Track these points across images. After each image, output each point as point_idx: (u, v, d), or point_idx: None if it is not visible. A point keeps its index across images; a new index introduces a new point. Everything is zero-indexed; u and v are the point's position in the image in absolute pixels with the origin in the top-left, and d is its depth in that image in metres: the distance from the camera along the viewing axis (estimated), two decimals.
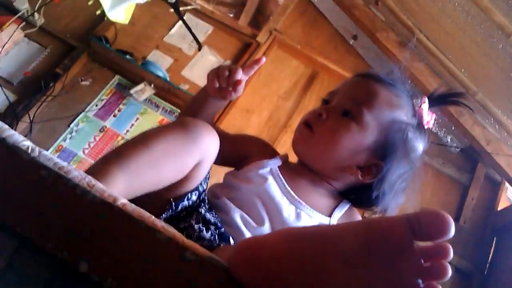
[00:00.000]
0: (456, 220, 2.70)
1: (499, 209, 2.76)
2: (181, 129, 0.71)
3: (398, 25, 2.68)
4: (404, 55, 2.72)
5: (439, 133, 2.87)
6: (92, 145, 2.47)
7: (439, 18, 2.40)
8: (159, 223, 0.46)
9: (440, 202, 2.77)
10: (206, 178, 0.81)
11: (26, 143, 0.48)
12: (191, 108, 1.02)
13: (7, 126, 0.49)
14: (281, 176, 0.87)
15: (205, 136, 0.72)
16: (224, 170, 0.97)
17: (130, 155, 0.65)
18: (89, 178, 0.47)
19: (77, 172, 0.48)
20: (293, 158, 0.97)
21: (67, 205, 0.42)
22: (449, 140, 2.86)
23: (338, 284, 0.38)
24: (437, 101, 0.93)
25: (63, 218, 0.41)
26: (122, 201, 0.46)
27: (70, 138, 2.46)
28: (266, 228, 0.82)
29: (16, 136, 0.48)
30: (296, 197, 0.84)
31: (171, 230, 0.45)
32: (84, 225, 0.41)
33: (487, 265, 2.54)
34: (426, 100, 0.92)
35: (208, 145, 0.73)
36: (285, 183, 0.86)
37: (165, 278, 0.40)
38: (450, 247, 0.37)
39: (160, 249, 0.41)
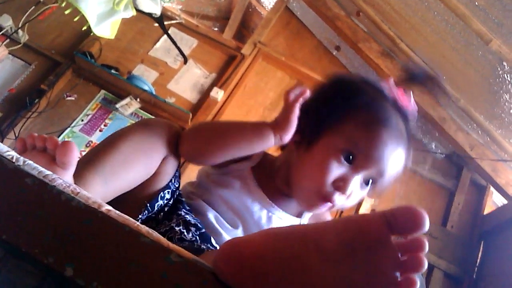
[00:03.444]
0: (444, 225, 2.73)
1: (485, 213, 2.80)
2: (144, 127, 0.76)
3: (380, 35, 2.73)
4: (386, 64, 2.76)
5: (423, 140, 2.91)
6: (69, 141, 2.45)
7: (420, 27, 2.45)
8: (144, 228, 0.46)
9: (427, 208, 2.79)
10: (177, 176, 0.83)
11: (11, 153, 0.49)
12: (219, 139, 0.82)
13: None
14: (254, 180, 0.85)
15: (165, 133, 0.77)
16: (196, 167, 0.94)
17: (102, 157, 0.69)
18: (73, 186, 0.48)
19: (61, 180, 0.48)
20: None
21: (52, 212, 0.43)
22: (433, 146, 2.90)
23: (321, 279, 0.39)
24: (408, 80, 0.87)
25: (49, 224, 0.42)
26: (107, 207, 0.47)
27: None
28: (240, 231, 0.83)
29: (0, 146, 0.49)
30: (267, 199, 0.84)
31: (156, 235, 0.46)
32: (69, 231, 0.42)
33: (476, 269, 2.56)
34: (392, 80, 0.83)
35: (168, 139, 0.77)
36: (258, 187, 0.85)
37: (150, 281, 0.41)
38: (425, 240, 0.39)
39: (145, 253, 0.42)
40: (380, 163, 0.75)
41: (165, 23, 2.70)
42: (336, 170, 0.75)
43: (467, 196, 2.84)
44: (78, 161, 0.66)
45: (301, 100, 0.77)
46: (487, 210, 2.81)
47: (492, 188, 2.81)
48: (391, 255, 0.39)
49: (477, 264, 2.57)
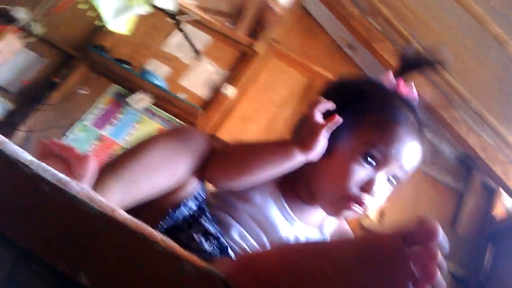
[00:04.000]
0: (452, 227, 2.72)
1: (494, 216, 2.77)
2: (174, 137, 0.73)
3: (394, 35, 2.71)
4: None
5: (434, 141, 2.89)
6: (90, 153, 2.47)
7: (434, 27, 2.43)
8: (158, 235, 0.46)
9: (436, 209, 2.78)
10: (204, 187, 0.82)
11: (25, 156, 0.49)
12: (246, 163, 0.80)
13: (5, 138, 0.50)
14: (280, 195, 0.85)
15: (198, 143, 0.74)
16: None
17: (125, 164, 0.67)
18: (88, 191, 0.48)
19: (76, 185, 0.48)
20: None
21: (66, 218, 0.43)
22: (444, 148, 2.88)
23: None
24: (406, 67, 0.87)
25: (63, 230, 0.42)
26: (121, 213, 0.47)
27: None
28: (264, 246, 0.81)
29: (15, 148, 0.49)
30: (293, 216, 0.84)
31: (170, 242, 0.46)
32: (83, 237, 0.42)
33: (484, 271, 2.55)
34: (391, 74, 0.85)
35: (200, 152, 0.75)
36: (284, 203, 0.84)
37: None
38: (438, 250, 0.39)
39: (159, 261, 0.42)
40: (400, 159, 0.77)
41: (179, 18, 2.70)
42: (359, 173, 0.76)
43: (477, 198, 2.82)
44: (102, 165, 0.66)
45: (331, 126, 0.73)
46: (497, 213, 2.79)
47: (502, 191, 2.79)
48: (404, 266, 0.39)
49: (485, 267, 2.56)
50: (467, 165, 2.87)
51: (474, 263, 2.58)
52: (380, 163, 0.76)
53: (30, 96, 2.55)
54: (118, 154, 0.72)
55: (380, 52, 2.79)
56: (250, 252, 0.80)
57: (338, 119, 0.74)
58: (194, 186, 0.78)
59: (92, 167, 0.59)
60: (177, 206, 0.76)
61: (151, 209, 0.72)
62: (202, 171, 0.78)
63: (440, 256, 0.39)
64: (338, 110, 0.78)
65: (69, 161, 0.60)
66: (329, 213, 0.83)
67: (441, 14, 2.30)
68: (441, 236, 0.38)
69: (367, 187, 0.76)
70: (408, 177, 0.82)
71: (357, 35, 2.89)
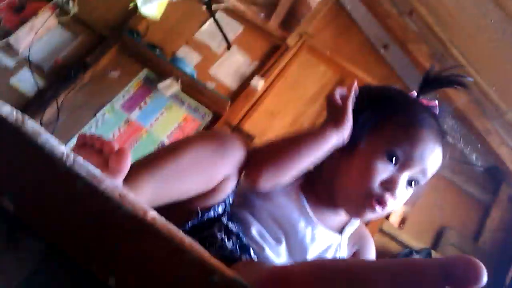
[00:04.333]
0: (475, 240, 2.66)
1: None
2: (212, 142, 0.71)
3: (431, 37, 2.64)
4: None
5: (464, 150, 2.82)
6: (116, 136, 2.49)
7: (474, 33, 2.36)
8: (187, 240, 0.45)
9: (460, 220, 2.72)
10: (233, 192, 0.81)
11: (61, 149, 0.48)
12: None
13: (43, 129, 0.49)
14: (302, 197, 0.86)
15: (237, 152, 0.72)
16: None
17: (161, 163, 0.66)
18: (120, 189, 0.47)
19: (109, 182, 0.47)
20: None
21: (99, 218, 0.42)
22: (474, 158, 2.81)
23: None
24: (432, 84, 0.89)
25: (95, 231, 0.41)
26: (152, 214, 0.46)
27: (95, 127, 2.49)
28: (283, 247, 0.82)
29: (52, 141, 0.48)
30: (314, 218, 0.84)
31: (198, 249, 0.45)
32: (115, 240, 0.41)
33: None
34: (415, 93, 0.89)
35: (239, 160, 0.73)
36: (306, 205, 0.85)
37: None
38: None
39: (188, 270, 0.41)
40: (423, 161, 0.78)
41: (213, 6, 2.69)
42: (383, 171, 0.77)
43: (503, 212, 2.75)
44: (136, 161, 0.65)
45: (352, 96, 0.80)
46: None
47: None
48: None
49: (506, 284, 2.50)
50: (496, 177, 2.80)
51: (495, 280, 2.52)
52: (403, 164, 0.78)
53: (62, 74, 2.58)
54: (154, 152, 0.71)
55: (415, 53, 2.73)
56: (270, 252, 0.80)
57: (356, 86, 0.80)
58: (227, 192, 0.78)
59: (128, 162, 0.58)
60: (207, 209, 0.75)
61: (180, 209, 0.72)
62: (242, 174, 0.78)
63: None
64: (363, 111, 0.83)
65: (105, 154, 0.59)
66: (350, 212, 0.83)
67: (483, 21, 2.23)
68: (485, 280, 0.36)
69: (390, 185, 0.77)
70: (426, 184, 0.84)
71: (393, 35, 2.84)
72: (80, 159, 0.48)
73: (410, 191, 0.82)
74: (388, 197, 0.77)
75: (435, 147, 0.80)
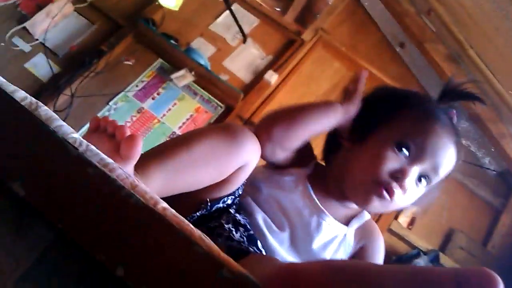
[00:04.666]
0: (484, 244, 2.63)
1: None
2: (225, 134, 0.71)
3: (448, 38, 2.61)
4: (451, 69, 2.64)
5: (477, 153, 2.79)
6: (128, 124, 2.50)
7: (493, 35, 2.32)
8: (197, 232, 0.45)
9: (470, 224, 2.70)
10: (243, 184, 0.81)
11: (74, 136, 0.48)
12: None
13: (56, 116, 0.49)
14: (309, 186, 0.86)
15: (249, 144, 0.72)
16: None
17: (172, 154, 0.65)
18: (132, 178, 0.47)
19: (121, 170, 0.47)
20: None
21: (110, 207, 0.42)
22: (487, 161, 2.78)
23: None
24: (452, 96, 0.88)
25: (105, 220, 0.41)
26: (163, 205, 0.46)
27: (108, 115, 2.50)
28: (286, 234, 0.82)
29: (65, 128, 0.48)
30: (320, 206, 0.84)
31: (208, 242, 0.45)
32: (125, 230, 0.41)
33: None
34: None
35: (250, 153, 0.73)
36: (312, 193, 0.85)
37: None
38: None
39: (197, 264, 0.41)
40: (435, 156, 0.78)
41: None
42: (393, 160, 0.77)
43: None
44: (148, 151, 0.65)
45: (363, 81, 0.84)
46: None
47: None
48: None
49: None
50: (508, 182, 2.76)
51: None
52: (414, 156, 0.77)
53: (76, 61, 2.59)
54: (166, 142, 0.71)
55: (431, 53, 2.70)
56: (273, 239, 0.80)
57: (366, 72, 0.85)
58: (238, 185, 0.78)
59: (139, 149, 0.57)
60: (216, 200, 0.75)
61: (190, 199, 0.72)
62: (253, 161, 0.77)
63: None
64: (378, 103, 0.86)
65: (117, 139, 0.59)
66: (358, 200, 0.83)
67: (502, 23, 2.19)
68: None
69: (399, 175, 0.77)
70: (440, 185, 0.84)
71: (410, 34, 2.80)
72: (92, 147, 0.47)
73: (421, 189, 0.81)
74: (396, 186, 0.77)
75: (448, 145, 0.79)
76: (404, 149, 0.78)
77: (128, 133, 0.60)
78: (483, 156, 2.76)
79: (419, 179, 0.79)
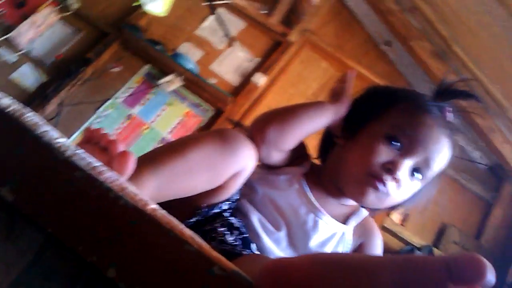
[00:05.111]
0: (477, 237, 2.65)
1: None
2: (220, 141, 0.70)
3: (433, 34, 2.63)
4: (437, 65, 2.67)
5: (467, 148, 2.81)
6: (118, 131, 2.49)
7: (477, 31, 2.35)
8: (188, 232, 0.45)
9: (462, 218, 2.72)
10: (240, 189, 0.80)
11: (62, 140, 0.48)
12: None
13: (43, 121, 0.49)
14: (305, 185, 0.86)
15: (244, 150, 0.71)
16: None
17: (165, 161, 0.64)
18: (121, 180, 0.47)
19: (110, 173, 0.47)
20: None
21: (99, 209, 0.42)
22: (477, 156, 2.80)
23: None
24: (447, 95, 0.88)
25: (95, 221, 0.41)
26: (153, 206, 0.46)
27: (97, 123, 2.49)
28: (283, 234, 0.81)
29: (52, 133, 0.48)
30: (316, 205, 0.84)
31: (199, 241, 0.45)
32: (115, 230, 0.41)
33: (506, 287, 2.48)
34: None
35: (246, 159, 0.72)
36: (309, 192, 0.85)
37: None
38: None
39: (188, 262, 0.41)
40: (427, 148, 0.78)
41: (214, 2, 2.68)
42: (384, 152, 0.78)
43: (506, 210, 2.74)
44: (141, 156, 0.64)
45: (351, 80, 0.86)
46: None
47: None
48: None
49: (508, 283, 2.49)
50: (499, 176, 2.79)
51: (496, 278, 2.51)
52: (405, 148, 0.78)
53: (63, 70, 2.57)
54: (159, 147, 0.70)
55: (417, 50, 2.72)
56: (269, 240, 0.80)
57: (354, 71, 0.87)
58: (233, 191, 0.76)
59: (131, 166, 0.57)
60: (212, 207, 0.75)
61: (185, 205, 0.71)
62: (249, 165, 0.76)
63: None
64: (370, 101, 0.87)
65: (110, 154, 0.58)
66: (352, 194, 0.83)
67: (484, 18, 2.22)
68: (492, 278, 0.35)
69: (390, 166, 0.77)
70: (435, 181, 0.84)
71: (395, 32, 2.83)
72: (80, 150, 0.47)
73: (416, 183, 0.81)
74: (388, 178, 0.77)
75: (440, 138, 0.79)
76: (395, 142, 0.78)
77: (121, 148, 0.59)
78: (473, 151, 2.79)
79: (413, 173, 0.80)
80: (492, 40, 2.27)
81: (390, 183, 0.77)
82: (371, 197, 0.79)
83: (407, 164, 0.78)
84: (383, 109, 0.83)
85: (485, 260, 0.35)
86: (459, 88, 0.87)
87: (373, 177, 0.78)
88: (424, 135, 0.78)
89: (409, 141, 0.78)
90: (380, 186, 0.77)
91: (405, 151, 0.78)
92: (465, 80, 0.91)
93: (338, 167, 0.85)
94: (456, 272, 0.35)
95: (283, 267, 0.41)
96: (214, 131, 0.80)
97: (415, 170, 0.79)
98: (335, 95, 0.85)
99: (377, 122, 0.82)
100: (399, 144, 0.78)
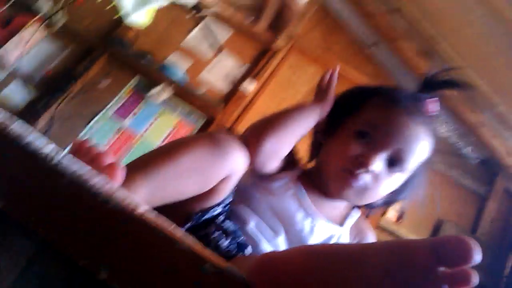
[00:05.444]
0: (473, 232, 2.66)
1: None
2: (210, 144, 0.70)
3: (419, 33, 2.66)
4: (424, 64, 2.69)
5: (458, 144, 2.83)
6: (110, 143, 2.49)
7: (461, 28, 2.38)
8: (179, 232, 0.45)
9: (458, 213, 2.73)
10: (232, 192, 0.80)
11: (50, 147, 0.48)
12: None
13: (31, 129, 0.49)
14: (301, 188, 0.86)
15: (235, 153, 0.71)
16: None
17: (157, 166, 0.64)
18: (110, 185, 0.47)
19: (99, 178, 0.47)
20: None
21: (89, 213, 0.42)
22: (468, 151, 2.82)
23: None
24: (435, 86, 0.89)
25: (84, 225, 0.41)
26: (143, 208, 0.46)
27: (88, 136, 2.49)
28: (282, 238, 0.82)
29: (40, 140, 0.48)
30: (313, 208, 0.84)
31: (190, 240, 0.45)
32: (105, 233, 0.41)
33: (504, 279, 2.49)
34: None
35: (236, 162, 0.72)
36: (305, 195, 0.86)
37: None
38: (474, 273, 0.36)
39: (180, 260, 0.41)
40: (398, 139, 0.79)
41: (201, 12, 2.69)
42: (355, 147, 0.80)
43: (500, 204, 2.76)
44: (131, 162, 0.65)
45: (335, 78, 0.89)
46: None
47: None
48: (436, 287, 0.36)
49: (506, 275, 2.50)
50: (491, 169, 2.81)
51: (494, 270, 2.52)
52: (376, 141, 0.79)
53: (52, 85, 2.57)
54: (150, 152, 0.70)
55: (404, 50, 2.75)
56: (267, 244, 0.80)
57: (337, 68, 0.91)
58: (225, 194, 0.76)
59: (119, 177, 0.57)
60: (205, 211, 0.74)
61: (179, 210, 0.71)
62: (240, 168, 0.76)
63: (474, 280, 0.37)
64: (346, 100, 0.90)
65: (97, 167, 0.58)
66: (334, 191, 0.84)
67: (468, 15, 2.25)
68: (478, 257, 0.36)
69: (362, 159, 0.79)
70: (422, 174, 0.86)
71: (381, 33, 2.85)
72: (69, 156, 0.48)
73: (397, 176, 0.81)
74: (361, 171, 0.79)
75: (413, 128, 0.80)
76: (366, 136, 0.80)
77: (109, 160, 0.59)
78: (464, 146, 2.81)
79: (390, 165, 0.80)
80: (477, 36, 2.30)
81: (365, 176, 0.79)
82: (350, 192, 0.81)
83: (379, 157, 0.79)
84: (358, 105, 0.85)
85: (471, 241, 0.36)
86: (445, 78, 0.88)
87: (347, 172, 0.80)
88: (394, 126, 0.79)
89: (379, 134, 0.80)
90: (354, 181, 0.79)
91: (376, 144, 0.79)
92: (449, 70, 0.92)
93: (321, 166, 0.87)
94: (443, 254, 0.36)
95: (273, 260, 0.41)
96: (204, 134, 0.80)
97: (391, 162, 0.80)
98: (319, 94, 0.89)
99: (351, 119, 0.85)
100: (369, 137, 0.80)
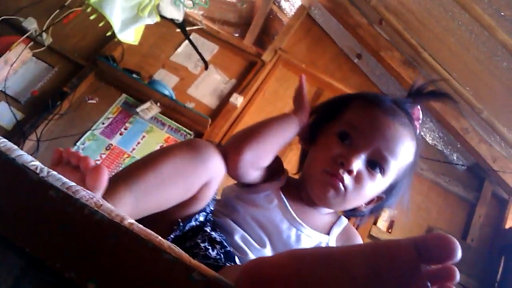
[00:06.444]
0: (464, 238, 2.68)
1: (507, 227, 2.73)
2: (189, 150, 0.71)
3: (402, 44, 2.70)
4: (408, 73, 2.73)
5: (445, 151, 2.86)
6: (98, 162, 2.48)
7: (443, 37, 2.42)
8: (166, 243, 0.46)
9: (447, 220, 2.75)
10: (213, 200, 0.81)
11: (35, 163, 0.49)
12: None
13: (16, 147, 0.50)
14: (284, 198, 0.86)
15: (213, 157, 0.73)
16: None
17: (139, 175, 0.65)
18: (96, 198, 0.48)
19: (84, 192, 0.48)
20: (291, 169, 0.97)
21: (75, 225, 0.42)
22: (455, 158, 2.85)
23: None
24: (419, 97, 0.90)
25: (71, 238, 0.42)
26: (130, 221, 0.47)
27: None
28: (268, 250, 0.82)
29: (25, 157, 0.49)
30: (297, 219, 0.84)
31: (178, 250, 0.46)
32: (92, 246, 0.42)
33: (496, 284, 2.51)
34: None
35: (215, 165, 0.73)
36: (288, 206, 0.85)
37: None
38: (456, 270, 0.37)
39: (168, 270, 0.41)
40: (377, 139, 0.79)
41: (187, 28, 2.72)
42: (335, 149, 0.81)
43: (489, 209, 2.78)
44: (114, 175, 0.65)
45: (304, 86, 0.92)
46: (509, 224, 2.75)
47: None
48: (420, 284, 0.37)
49: (498, 280, 2.51)
50: (479, 175, 2.84)
51: (486, 276, 2.54)
52: (356, 141, 0.80)
53: (40, 105, 2.56)
54: (131, 164, 0.71)
55: (388, 61, 2.78)
56: (254, 257, 0.80)
57: (304, 77, 0.93)
58: (207, 200, 0.78)
59: (105, 180, 0.57)
60: (188, 219, 0.75)
61: (162, 220, 0.71)
62: (219, 174, 0.77)
63: (457, 276, 0.38)
64: (327, 106, 0.92)
65: (82, 171, 0.59)
66: (316, 196, 0.84)
67: (450, 24, 2.30)
68: (459, 254, 0.37)
69: (342, 160, 0.79)
70: (406, 180, 0.86)
71: (365, 44, 2.89)
72: (54, 172, 0.48)
73: (379, 178, 0.81)
74: (341, 171, 0.79)
75: (392, 129, 0.80)
76: (346, 137, 0.81)
77: (92, 164, 0.60)
78: (451, 153, 2.84)
79: (371, 166, 0.81)
80: (459, 44, 2.34)
81: (345, 177, 0.79)
82: (331, 195, 0.81)
83: (359, 156, 0.79)
84: (340, 110, 0.87)
85: (452, 238, 0.37)
86: (430, 90, 0.90)
87: (328, 173, 0.80)
88: (373, 126, 0.80)
89: (359, 134, 0.81)
90: (334, 182, 0.79)
91: (356, 145, 0.80)
92: (433, 82, 0.94)
93: (304, 173, 0.88)
94: (426, 252, 0.37)
95: (261, 265, 0.41)
96: (182, 142, 0.82)
97: (372, 162, 0.81)
98: (295, 103, 0.91)
99: (331, 124, 0.86)
100: (349, 139, 0.81)
